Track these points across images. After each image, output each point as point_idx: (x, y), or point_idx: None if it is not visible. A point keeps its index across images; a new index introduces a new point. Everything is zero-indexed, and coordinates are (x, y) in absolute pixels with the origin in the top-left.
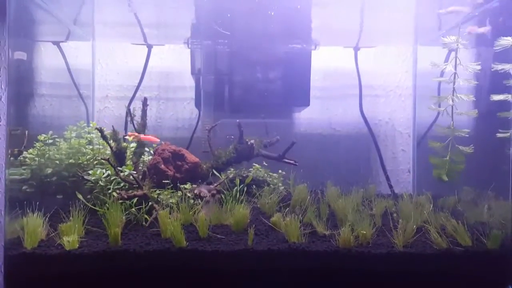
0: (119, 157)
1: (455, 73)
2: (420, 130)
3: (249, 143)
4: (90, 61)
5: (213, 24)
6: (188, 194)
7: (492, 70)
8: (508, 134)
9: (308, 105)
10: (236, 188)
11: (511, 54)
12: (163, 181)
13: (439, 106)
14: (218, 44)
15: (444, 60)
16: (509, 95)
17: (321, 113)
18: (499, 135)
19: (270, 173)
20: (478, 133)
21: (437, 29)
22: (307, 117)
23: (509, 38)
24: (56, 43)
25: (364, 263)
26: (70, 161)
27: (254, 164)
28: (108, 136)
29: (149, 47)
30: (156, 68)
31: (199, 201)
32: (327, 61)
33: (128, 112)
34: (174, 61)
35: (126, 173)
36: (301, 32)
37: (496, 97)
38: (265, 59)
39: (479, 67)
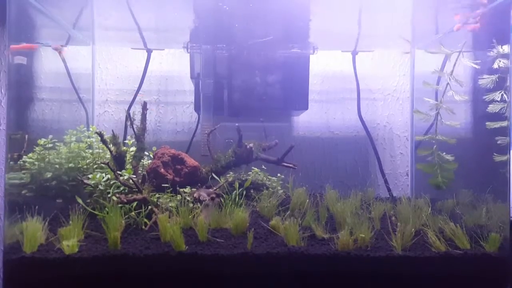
0: (118, 161)
1: (447, 84)
2: (418, 133)
3: (248, 146)
4: (90, 65)
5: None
6: (188, 198)
7: (489, 72)
8: (506, 140)
9: (307, 108)
10: (235, 191)
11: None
12: (163, 185)
13: (437, 111)
14: (217, 49)
15: (441, 65)
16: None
17: (319, 116)
18: (499, 142)
19: (269, 177)
20: (475, 136)
21: (434, 33)
22: (306, 121)
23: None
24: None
25: (363, 266)
26: (70, 165)
27: (253, 167)
28: (108, 140)
29: (149, 51)
30: (156, 72)
31: (199, 204)
32: (325, 65)
33: (128, 116)
34: (174, 66)
35: (125, 177)
36: (300, 36)
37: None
38: (264, 63)
39: (463, 82)
